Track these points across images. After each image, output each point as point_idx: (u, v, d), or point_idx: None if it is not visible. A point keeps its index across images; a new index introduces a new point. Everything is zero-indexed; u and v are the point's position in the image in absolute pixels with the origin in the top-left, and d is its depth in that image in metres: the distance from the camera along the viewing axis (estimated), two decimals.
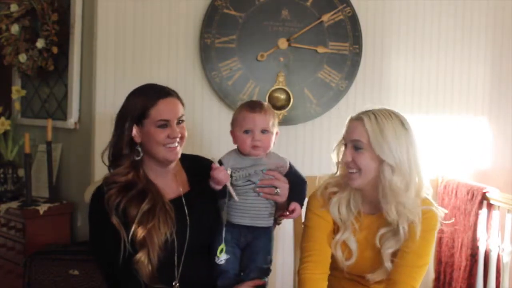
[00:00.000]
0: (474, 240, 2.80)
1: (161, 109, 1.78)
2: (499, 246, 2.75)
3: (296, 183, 1.88)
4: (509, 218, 2.70)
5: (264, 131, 1.84)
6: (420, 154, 1.77)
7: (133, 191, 1.76)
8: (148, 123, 1.78)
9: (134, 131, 1.79)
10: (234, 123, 1.89)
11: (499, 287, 2.74)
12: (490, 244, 2.78)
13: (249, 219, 1.83)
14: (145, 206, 1.74)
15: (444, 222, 1.80)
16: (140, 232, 1.71)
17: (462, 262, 2.86)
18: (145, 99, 1.79)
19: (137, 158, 1.81)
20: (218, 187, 1.81)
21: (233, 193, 1.79)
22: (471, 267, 2.81)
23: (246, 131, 1.84)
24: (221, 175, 1.79)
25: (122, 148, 1.80)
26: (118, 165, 1.80)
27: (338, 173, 1.88)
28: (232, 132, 1.89)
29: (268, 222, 1.87)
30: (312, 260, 1.83)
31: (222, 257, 1.83)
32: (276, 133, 1.90)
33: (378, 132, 1.72)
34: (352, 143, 1.76)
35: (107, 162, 1.85)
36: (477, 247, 2.79)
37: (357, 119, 1.78)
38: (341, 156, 1.85)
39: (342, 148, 1.82)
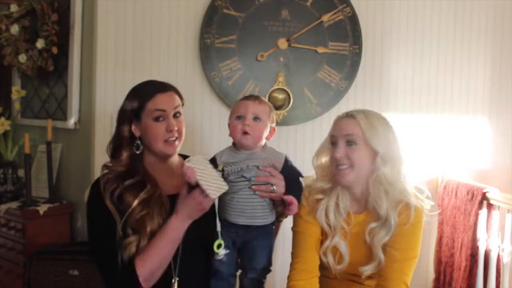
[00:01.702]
0: (474, 240, 2.80)
1: (158, 101, 1.80)
2: (499, 246, 2.75)
3: (292, 179, 1.84)
4: (509, 218, 2.70)
5: (256, 118, 1.82)
6: (402, 147, 1.84)
7: (131, 180, 1.77)
8: (145, 116, 1.80)
9: (133, 125, 1.82)
10: (230, 114, 1.89)
11: (499, 287, 2.74)
12: (490, 244, 2.78)
13: (245, 218, 1.81)
14: (142, 195, 1.75)
15: (430, 213, 1.81)
16: (133, 218, 1.72)
17: (462, 262, 2.86)
18: (143, 93, 1.82)
19: (137, 152, 1.83)
20: (193, 184, 1.76)
21: (206, 189, 1.72)
22: (471, 267, 2.81)
23: (238, 117, 1.83)
24: (185, 172, 1.73)
25: (122, 142, 1.82)
26: (118, 156, 1.82)
27: (321, 177, 1.88)
28: (228, 125, 1.88)
29: (264, 220, 1.83)
30: (298, 267, 1.84)
31: (221, 252, 1.79)
32: (273, 129, 1.88)
33: (370, 126, 1.78)
34: (345, 138, 1.79)
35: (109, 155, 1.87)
36: (477, 247, 2.80)
37: (348, 117, 1.82)
38: (323, 159, 1.88)
39: (326, 151, 1.84)
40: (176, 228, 1.75)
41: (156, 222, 1.75)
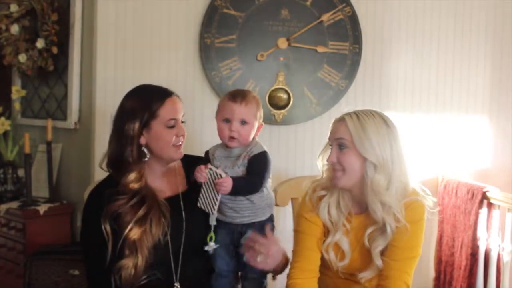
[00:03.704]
0: (474, 239, 2.81)
1: (170, 108, 1.77)
2: (499, 245, 2.75)
3: (243, 180, 1.78)
4: (509, 217, 2.70)
5: (243, 122, 1.81)
6: (404, 152, 1.77)
7: (135, 199, 1.73)
8: (156, 124, 1.75)
9: (143, 136, 1.75)
10: (217, 110, 1.88)
11: (499, 286, 2.75)
12: (490, 243, 2.78)
13: (224, 216, 1.83)
14: (140, 213, 1.72)
15: (432, 210, 1.79)
16: (131, 236, 1.69)
17: (463, 261, 2.86)
18: (151, 100, 1.76)
19: (145, 160, 1.78)
20: (197, 184, 1.79)
21: (200, 197, 1.76)
22: (471, 266, 2.81)
23: (226, 120, 1.82)
24: (197, 170, 1.76)
25: (131, 154, 1.74)
26: (127, 171, 1.75)
27: (325, 176, 1.87)
28: (216, 120, 1.87)
29: (245, 218, 1.84)
30: (298, 266, 1.84)
31: (211, 245, 1.80)
32: (260, 125, 1.86)
33: (361, 130, 1.73)
34: (336, 142, 1.77)
35: (106, 169, 1.80)
36: (477, 246, 2.80)
37: (340, 120, 1.79)
38: (325, 159, 1.86)
39: (328, 151, 1.82)
40: None
41: (155, 233, 1.73)
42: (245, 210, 1.83)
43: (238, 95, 1.83)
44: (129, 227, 1.70)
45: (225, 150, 1.86)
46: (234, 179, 1.76)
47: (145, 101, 1.76)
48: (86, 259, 1.81)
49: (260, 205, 1.85)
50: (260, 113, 1.86)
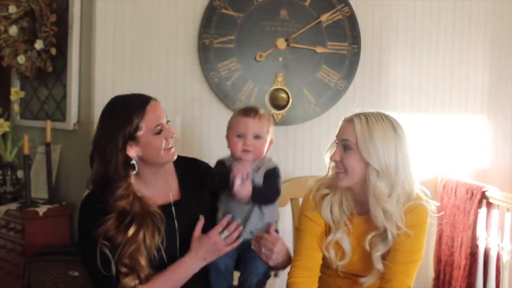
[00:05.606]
0: (473, 239, 2.81)
1: (152, 116, 1.74)
2: (498, 245, 2.76)
3: (264, 188, 1.82)
4: (508, 217, 2.70)
5: (257, 136, 1.83)
6: (411, 159, 1.76)
7: (126, 220, 1.71)
8: (144, 135, 1.73)
9: (129, 149, 1.73)
10: (228, 128, 1.90)
11: (498, 286, 2.75)
12: (489, 243, 2.78)
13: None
14: (130, 232, 1.70)
15: (435, 215, 1.79)
16: (125, 254, 1.69)
17: (462, 261, 2.86)
18: (131, 113, 1.72)
19: (134, 173, 1.76)
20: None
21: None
22: (470, 266, 2.81)
23: (239, 136, 1.83)
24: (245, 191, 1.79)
25: (117, 171, 1.72)
26: (114, 188, 1.72)
27: (329, 174, 1.88)
28: (227, 137, 1.89)
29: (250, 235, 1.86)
30: (299, 265, 1.85)
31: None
32: (271, 141, 1.89)
33: (367, 134, 1.72)
34: (342, 142, 1.77)
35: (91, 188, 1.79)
36: (477, 246, 2.80)
37: (349, 120, 1.78)
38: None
39: (335, 149, 1.82)
40: (186, 268, 1.78)
41: (149, 245, 1.72)
42: (256, 220, 1.86)
43: (251, 111, 1.86)
44: (120, 246, 1.69)
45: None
46: (256, 187, 1.80)
47: (125, 116, 1.73)
48: (90, 274, 1.79)
49: (269, 215, 1.88)
50: (272, 129, 1.89)
